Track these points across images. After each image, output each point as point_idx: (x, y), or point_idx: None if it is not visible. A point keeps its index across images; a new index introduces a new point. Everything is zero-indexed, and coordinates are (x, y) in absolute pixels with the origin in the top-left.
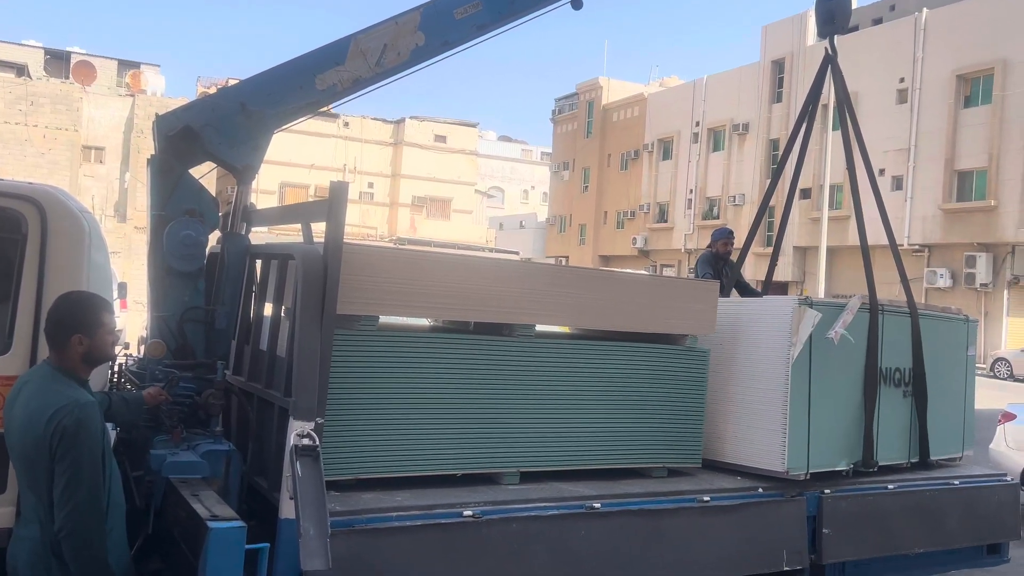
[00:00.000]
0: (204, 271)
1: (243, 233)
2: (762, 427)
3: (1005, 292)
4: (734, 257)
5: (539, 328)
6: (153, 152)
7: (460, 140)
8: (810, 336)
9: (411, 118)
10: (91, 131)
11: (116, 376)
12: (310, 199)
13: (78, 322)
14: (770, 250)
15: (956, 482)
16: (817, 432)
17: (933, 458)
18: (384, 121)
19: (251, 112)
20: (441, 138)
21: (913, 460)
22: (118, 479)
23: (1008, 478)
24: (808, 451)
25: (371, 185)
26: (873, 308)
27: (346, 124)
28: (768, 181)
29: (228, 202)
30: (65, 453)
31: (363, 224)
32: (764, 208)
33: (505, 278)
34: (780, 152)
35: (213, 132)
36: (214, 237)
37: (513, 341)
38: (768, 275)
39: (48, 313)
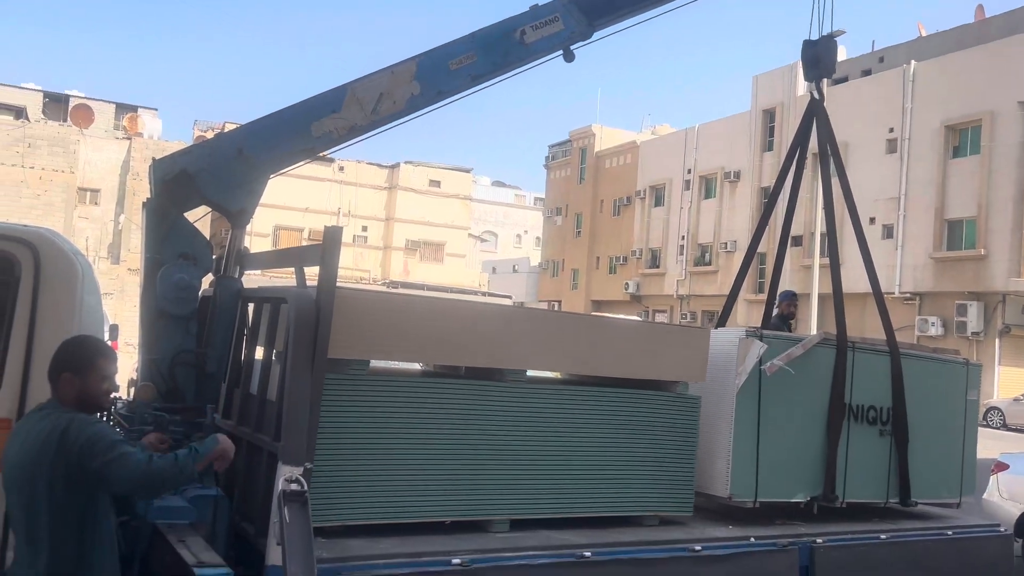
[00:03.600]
0: (196, 314)
1: (236, 276)
2: (709, 453)
3: (996, 341)
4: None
5: (530, 373)
6: (149, 195)
7: (454, 185)
8: (759, 367)
9: (406, 163)
10: (87, 173)
11: (106, 418)
12: (304, 242)
13: (70, 359)
14: (760, 296)
15: (950, 532)
16: (768, 462)
17: (919, 501)
18: (379, 166)
19: (247, 157)
20: (436, 183)
21: (892, 500)
22: (111, 526)
23: (1002, 529)
24: (756, 479)
25: (365, 228)
26: (841, 345)
27: (341, 168)
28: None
29: (221, 245)
30: (91, 447)
31: (357, 267)
32: (752, 254)
33: (497, 323)
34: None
35: (209, 176)
36: (207, 280)
37: (504, 386)
38: (764, 322)
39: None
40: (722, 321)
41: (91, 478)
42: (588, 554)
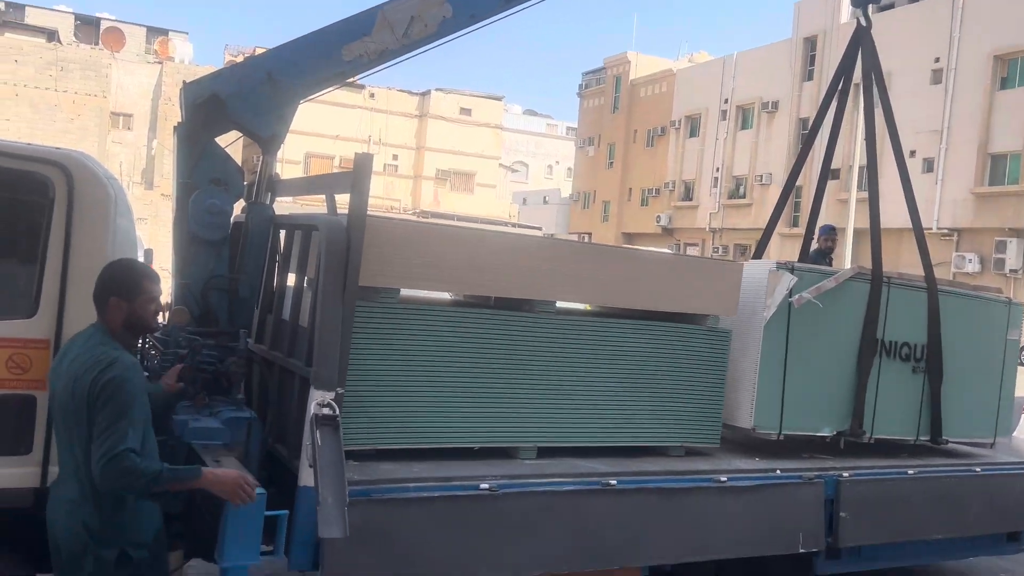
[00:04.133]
0: (228, 240)
1: (267, 203)
2: (735, 384)
3: None
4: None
5: (560, 305)
6: (180, 120)
7: (485, 113)
8: (788, 300)
9: (437, 90)
10: (119, 98)
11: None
12: (335, 170)
13: (117, 284)
14: (795, 230)
15: (978, 469)
16: (794, 395)
17: (952, 439)
18: (410, 93)
19: (277, 82)
20: (466, 111)
21: (923, 438)
22: (155, 447)
23: None
24: (781, 412)
25: (395, 157)
26: (876, 280)
27: (372, 95)
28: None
29: (253, 172)
30: (107, 401)
31: (387, 196)
32: (791, 187)
33: (527, 254)
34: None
35: (239, 101)
36: (238, 206)
37: (534, 317)
38: (802, 256)
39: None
40: (758, 254)
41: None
42: (614, 482)
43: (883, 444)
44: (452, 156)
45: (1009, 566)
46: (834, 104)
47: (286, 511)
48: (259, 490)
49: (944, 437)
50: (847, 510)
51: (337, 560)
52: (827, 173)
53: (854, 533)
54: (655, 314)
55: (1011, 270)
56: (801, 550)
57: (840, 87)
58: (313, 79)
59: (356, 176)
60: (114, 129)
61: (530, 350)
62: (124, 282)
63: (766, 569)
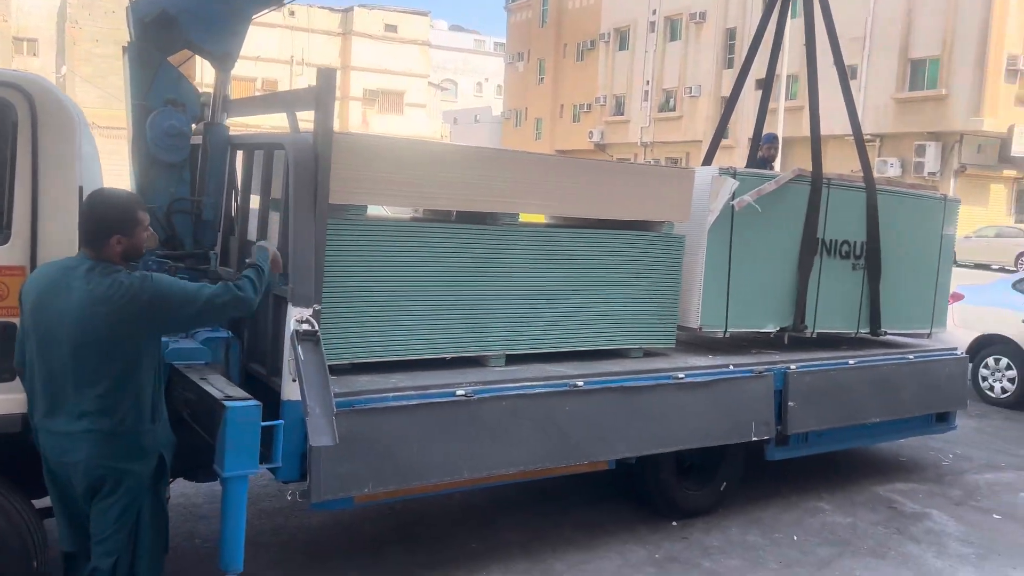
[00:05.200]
0: (188, 162)
1: (223, 123)
2: (686, 287)
3: (952, 181)
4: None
5: (521, 217)
6: (129, 40)
7: (411, 30)
8: (731, 204)
9: (359, 6)
10: (21, 21)
11: None
12: (256, 92)
13: (119, 222)
14: (726, 142)
15: (911, 356)
16: (739, 294)
17: (891, 331)
18: (331, 10)
19: None
20: (392, 28)
21: (864, 331)
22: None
23: (958, 352)
24: (727, 311)
25: None
26: (816, 182)
27: (292, 13)
28: (729, 72)
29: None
30: (166, 299)
31: (312, 119)
32: (735, 97)
33: (490, 167)
34: (738, 42)
35: (190, 17)
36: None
37: (497, 230)
38: (749, 164)
39: (84, 212)
40: (707, 162)
41: (182, 323)
42: (580, 383)
43: (825, 338)
44: (379, 75)
45: (937, 445)
46: (775, 14)
47: (282, 421)
48: (255, 402)
49: (883, 329)
50: (794, 399)
51: (325, 468)
52: (771, 84)
53: (801, 420)
54: (612, 223)
55: (930, 173)
56: (754, 438)
57: None
58: None
59: (320, 92)
60: (18, 55)
61: (495, 262)
62: (122, 219)
63: (722, 458)
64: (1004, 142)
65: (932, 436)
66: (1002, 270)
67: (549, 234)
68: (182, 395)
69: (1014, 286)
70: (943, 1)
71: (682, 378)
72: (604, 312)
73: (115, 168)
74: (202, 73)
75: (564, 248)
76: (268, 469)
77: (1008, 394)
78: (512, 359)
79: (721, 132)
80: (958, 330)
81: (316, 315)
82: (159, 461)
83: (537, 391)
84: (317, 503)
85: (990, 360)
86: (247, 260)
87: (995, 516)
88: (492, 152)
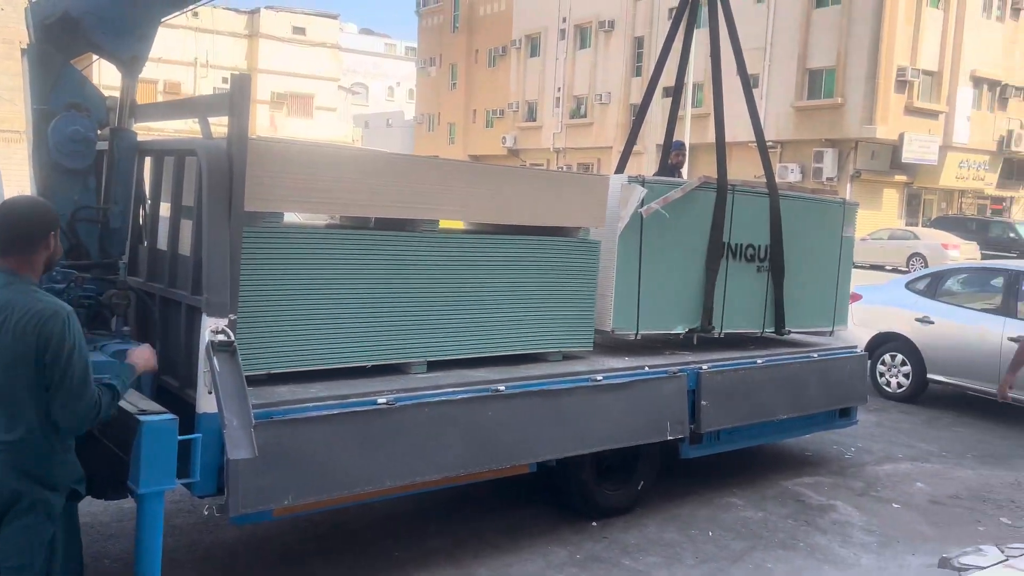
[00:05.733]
0: (94, 168)
1: (131, 128)
2: (600, 292)
3: (848, 186)
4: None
5: (441, 223)
6: (29, 42)
7: (320, 33)
8: (639, 212)
9: (267, 8)
10: None
11: None
12: (160, 96)
13: (45, 227)
14: (636, 148)
15: (815, 355)
16: (649, 298)
17: (795, 330)
18: (237, 11)
19: (136, 0)
20: (300, 30)
21: (769, 331)
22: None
23: (858, 350)
24: (638, 314)
25: (226, 80)
26: (721, 188)
27: (195, 14)
28: (637, 80)
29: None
30: (60, 347)
31: (218, 122)
32: (646, 105)
33: (410, 173)
34: (646, 50)
35: (95, 20)
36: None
37: (417, 236)
38: (660, 171)
39: (11, 220)
40: (619, 170)
41: (49, 379)
42: (502, 388)
43: (732, 338)
44: (288, 78)
45: (840, 439)
46: (683, 24)
47: (199, 435)
48: (171, 416)
49: (787, 328)
50: (707, 398)
51: (243, 482)
52: (680, 93)
53: (714, 419)
54: (530, 229)
55: (828, 178)
56: (669, 437)
57: (688, 8)
58: None
59: (234, 98)
60: None
61: (415, 268)
62: (48, 224)
63: (639, 458)
64: (896, 149)
65: (835, 431)
66: (895, 271)
67: (468, 240)
68: None
69: (907, 286)
70: (837, 15)
71: (600, 380)
72: (523, 317)
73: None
74: (100, 75)
75: (483, 254)
76: (184, 484)
77: (903, 388)
78: (433, 365)
79: (633, 140)
80: (857, 329)
81: (232, 325)
82: (71, 492)
83: (459, 397)
84: (235, 517)
85: (887, 357)
86: (105, 378)
87: (894, 505)
88: (412, 159)
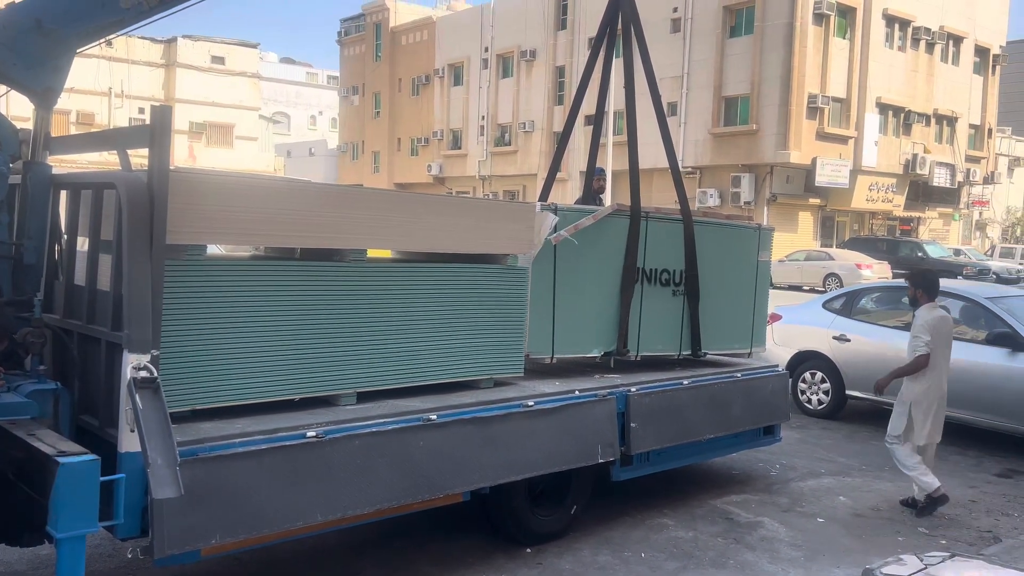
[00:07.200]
0: (6, 204)
1: (45, 162)
2: None
3: (765, 209)
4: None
5: (369, 253)
6: None
7: (240, 62)
8: (550, 239)
9: (184, 37)
10: None
11: None
12: (73, 127)
13: None
14: (560, 175)
15: (739, 375)
16: (564, 322)
17: (713, 352)
18: (152, 40)
19: (49, 31)
20: (219, 59)
21: (685, 352)
22: None
23: (779, 368)
24: (553, 338)
25: (142, 111)
26: (635, 215)
27: (109, 43)
28: (560, 108)
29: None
30: None
31: (135, 153)
32: (568, 134)
33: (335, 203)
34: (567, 79)
35: (7, 52)
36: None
37: (344, 266)
38: (584, 197)
39: None
40: (543, 197)
41: None
42: (434, 417)
43: (651, 360)
44: (207, 108)
45: (765, 456)
46: (601, 56)
47: (123, 475)
48: (92, 456)
49: (704, 350)
50: (636, 420)
51: (169, 522)
52: (601, 121)
53: (643, 440)
54: (459, 256)
55: (745, 202)
56: (600, 460)
57: (606, 39)
58: (89, 27)
59: (155, 130)
60: None
61: (343, 299)
62: None
63: (570, 482)
64: (809, 173)
65: (760, 448)
66: (812, 291)
67: (396, 269)
68: (6, 454)
69: (824, 305)
70: (750, 44)
71: (532, 405)
72: (453, 344)
73: None
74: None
75: (411, 283)
76: (105, 527)
77: (824, 405)
78: (363, 396)
79: (556, 167)
80: (778, 348)
81: (154, 361)
82: None
83: (390, 427)
84: (161, 559)
85: (807, 375)
86: None
87: (819, 519)
88: (338, 188)
